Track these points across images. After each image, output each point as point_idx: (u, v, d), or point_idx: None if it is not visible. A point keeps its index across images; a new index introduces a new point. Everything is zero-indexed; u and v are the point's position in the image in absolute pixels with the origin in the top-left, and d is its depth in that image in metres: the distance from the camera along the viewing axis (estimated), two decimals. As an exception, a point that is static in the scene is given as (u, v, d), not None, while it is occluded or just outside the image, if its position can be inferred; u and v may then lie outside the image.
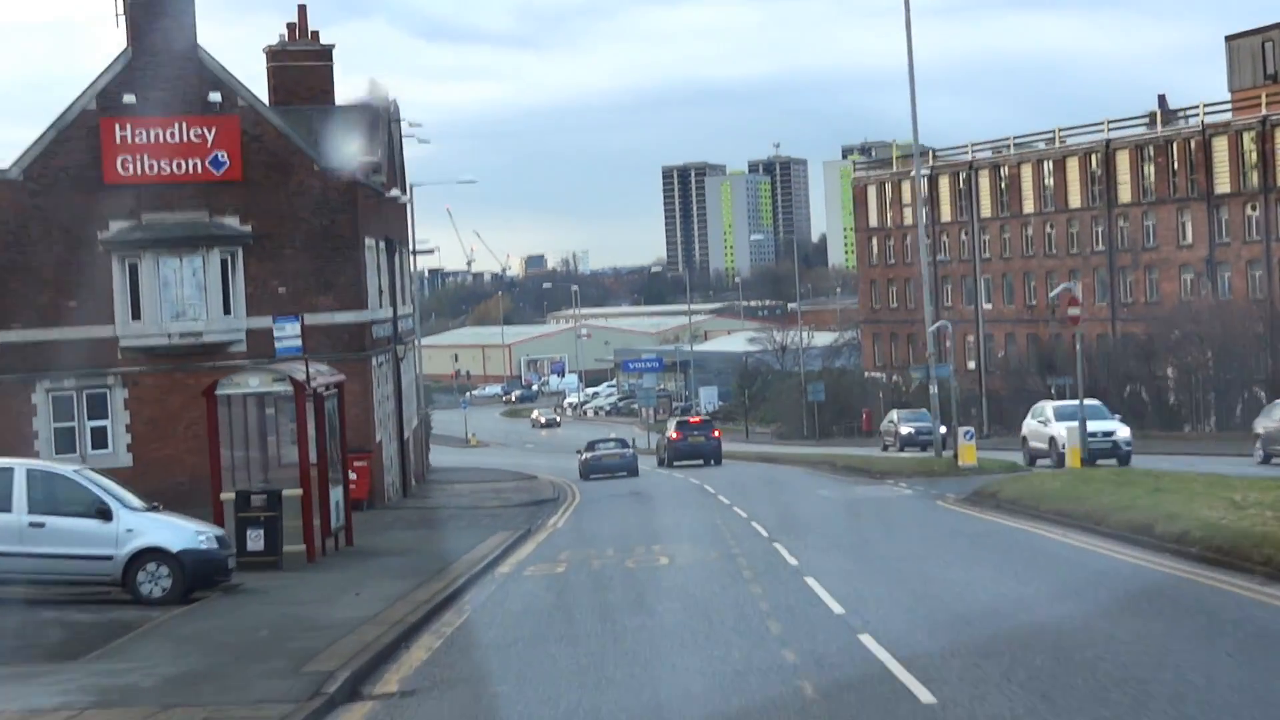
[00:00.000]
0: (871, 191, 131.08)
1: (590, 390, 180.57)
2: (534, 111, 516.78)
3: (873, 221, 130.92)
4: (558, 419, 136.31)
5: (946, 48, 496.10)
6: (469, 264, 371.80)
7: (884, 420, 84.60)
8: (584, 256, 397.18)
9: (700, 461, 71.87)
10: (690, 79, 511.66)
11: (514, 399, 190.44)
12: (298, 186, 49.94)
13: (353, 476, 48.15)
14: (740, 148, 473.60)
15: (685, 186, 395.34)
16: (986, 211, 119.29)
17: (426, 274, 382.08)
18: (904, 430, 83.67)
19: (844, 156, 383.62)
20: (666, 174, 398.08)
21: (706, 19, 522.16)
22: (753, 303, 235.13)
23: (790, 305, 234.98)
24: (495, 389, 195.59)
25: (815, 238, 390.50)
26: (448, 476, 77.25)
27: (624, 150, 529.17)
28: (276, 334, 40.66)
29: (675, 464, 72.06)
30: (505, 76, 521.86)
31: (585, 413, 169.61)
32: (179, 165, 48.74)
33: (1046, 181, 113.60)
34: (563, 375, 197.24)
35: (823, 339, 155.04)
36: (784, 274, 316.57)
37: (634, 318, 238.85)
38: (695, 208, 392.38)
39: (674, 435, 74.53)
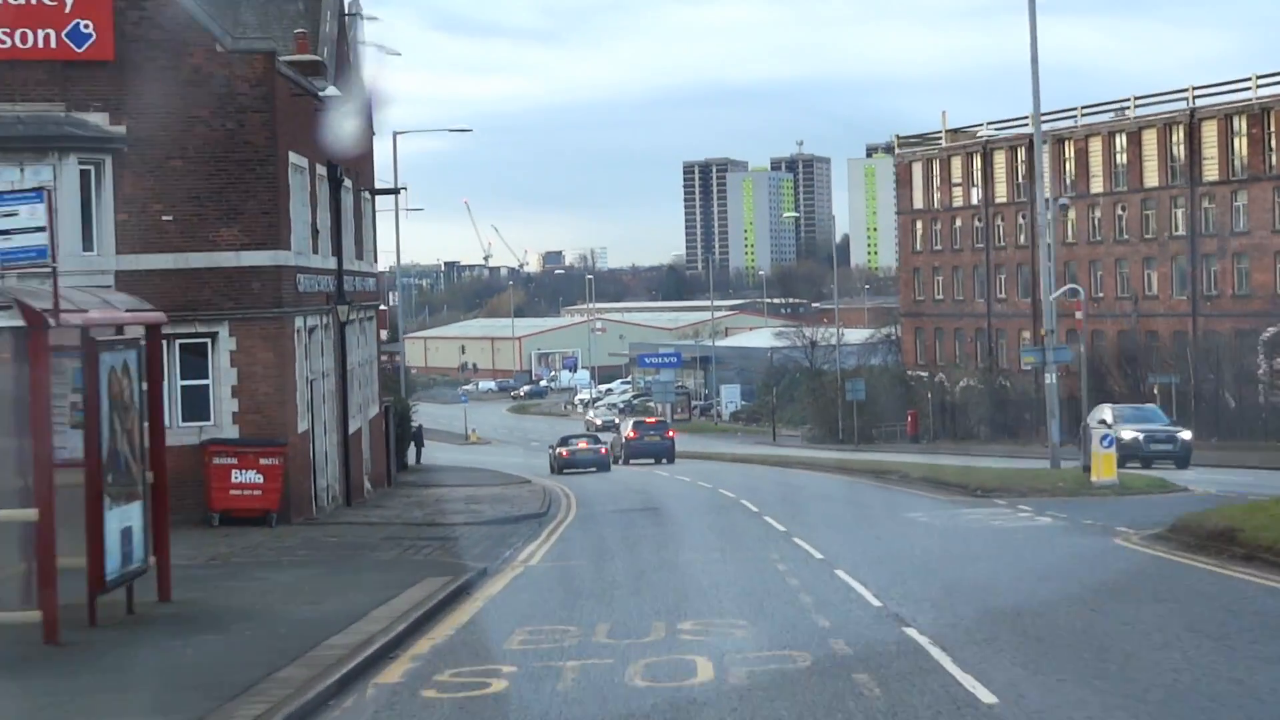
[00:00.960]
0: (917, 170, 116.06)
1: (603, 387, 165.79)
2: (555, 107, 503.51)
3: (917, 203, 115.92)
4: (616, 421, 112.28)
5: (979, 52, 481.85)
6: (486, 258, 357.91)
7: (1087, 420, 57.78)
8: (602, 253, 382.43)
9: (652, 460, 72.57)
10: (713, 78, 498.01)
11: (523, 394, 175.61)
12: (193, 74, 35.26)
13: (252, 478, 33.76)
14: (762, 147, 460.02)
15: (706, 183, 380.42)
16: (1049, 191, 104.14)
17: (442, 266, 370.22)
18: (1126, 435, 57.15)
19: (868, 155, 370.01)
20: (688, 169, 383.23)
21: (730, 18, 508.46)
22: (776, 300, 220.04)
23: (815, 304, 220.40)
24: (490, 384, 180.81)
25: (838, 238, 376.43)
26: (426, 479, 62.87)
27: (645, 148, 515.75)
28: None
29: (631, 461, 72.64)
30: (527, 72, 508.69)
31: (597, 410, 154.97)
32: (22, 37, 34.10)
33: (1119, 157, 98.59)
34: (575, 370, 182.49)
35: (855, 336, 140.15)
36: (806, 272, 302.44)
37: (651, 313, 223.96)
38: (716, 204, 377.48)
39: (631, 434, 74.87)
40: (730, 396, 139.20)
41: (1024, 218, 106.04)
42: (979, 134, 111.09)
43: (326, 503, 40.60)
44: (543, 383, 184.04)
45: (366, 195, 50.52)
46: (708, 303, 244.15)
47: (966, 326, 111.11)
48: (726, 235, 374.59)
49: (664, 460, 72.42)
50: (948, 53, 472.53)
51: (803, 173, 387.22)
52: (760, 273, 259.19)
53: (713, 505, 42.57)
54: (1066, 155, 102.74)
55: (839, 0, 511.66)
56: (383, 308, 64.39)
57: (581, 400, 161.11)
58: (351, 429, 45.27)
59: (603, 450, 67.19)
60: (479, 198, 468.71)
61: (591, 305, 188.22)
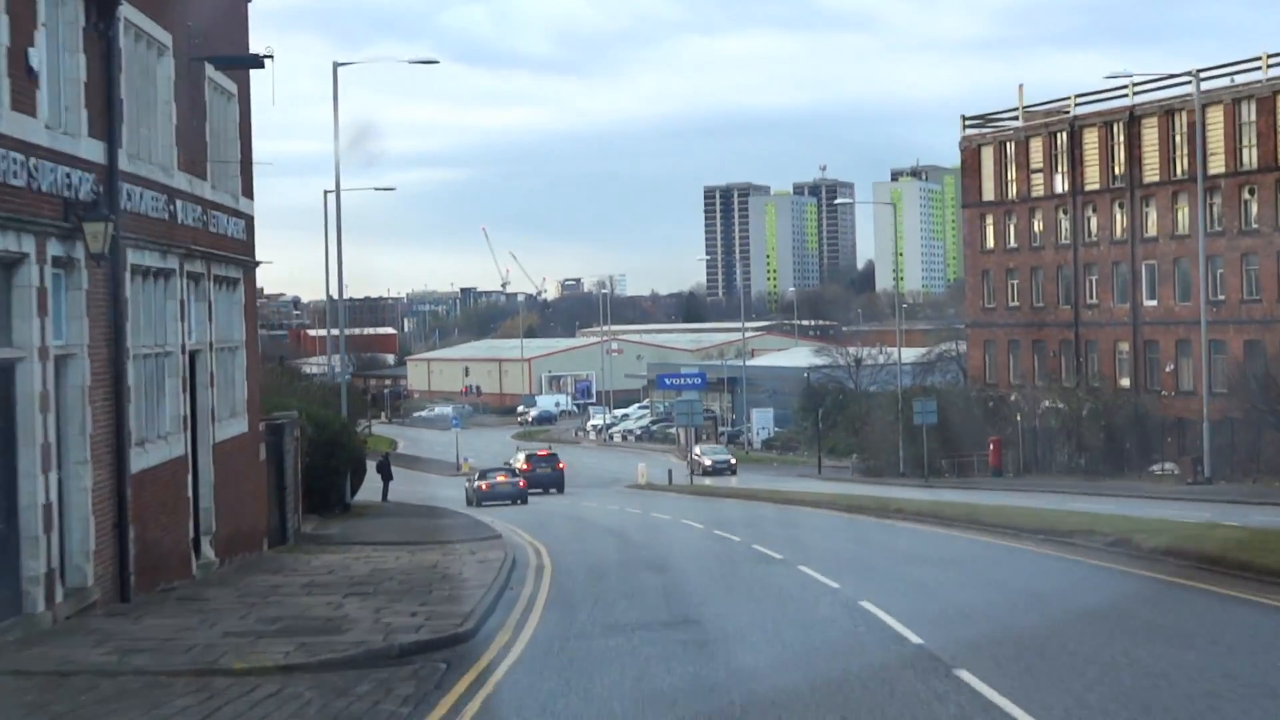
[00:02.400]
0: (986, 156, 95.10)
1: (619, 411, 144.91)
2: (573, 137, 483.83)
3: (987, 194, 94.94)
4: (731, 461, 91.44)
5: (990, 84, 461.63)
6: (504, 285, 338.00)
7: None
8: (621, 280, 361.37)
9: (542, 490, 72.05)
10: (730, 108, 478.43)
11: (529, 420, 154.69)
12: None
13: None
14: (781, 175, 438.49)
15: (728, 208, 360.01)
16: (1153, 174, 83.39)
17: (458, 292, 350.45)
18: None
19: (893, 179, 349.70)
20: (708, 194, 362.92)
21: (745, 49, 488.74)
22: (805, 322, 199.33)
23: (846, 327, 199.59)
24: (445, 409, 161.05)
25: (860, 264, 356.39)
26: (352, 531, 43.14)
27: (663, 177, 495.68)
28: None
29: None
30: (546, 102, 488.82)
31: (611, 437, 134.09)
32: None
33: (1244, 130, 77.67)
34: (586, 393, 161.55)
35: (906, 354, 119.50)
36: (831, 297, 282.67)
37: (671, 334, 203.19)
38: (738, 229, 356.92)
39: (525, 467, 74.71)
40: (762, 422, 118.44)
41: (1122, 207, 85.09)
42: (1065, 110, 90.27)
43: (41, 603, 19.83)
44: (520, 409, 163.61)
45: (211, 72, 29.62)
46: (731, 324, 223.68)
47: (1048, 338, 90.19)
48: (748, 260, 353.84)
49: (554, 490, 73.73)
50: (964, 84, 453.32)
51: (825, 197, 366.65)
52: (790, 290, 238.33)
53: (737, 560, 22.33)
54: (1176, 128, 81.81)
55: (853, 32, 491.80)
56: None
57: (594, 426, 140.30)
58: (148, 460, 24.46)
59: (520, 484, 66.55)
60: (497, 227, 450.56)
61: (607, 327, 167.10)
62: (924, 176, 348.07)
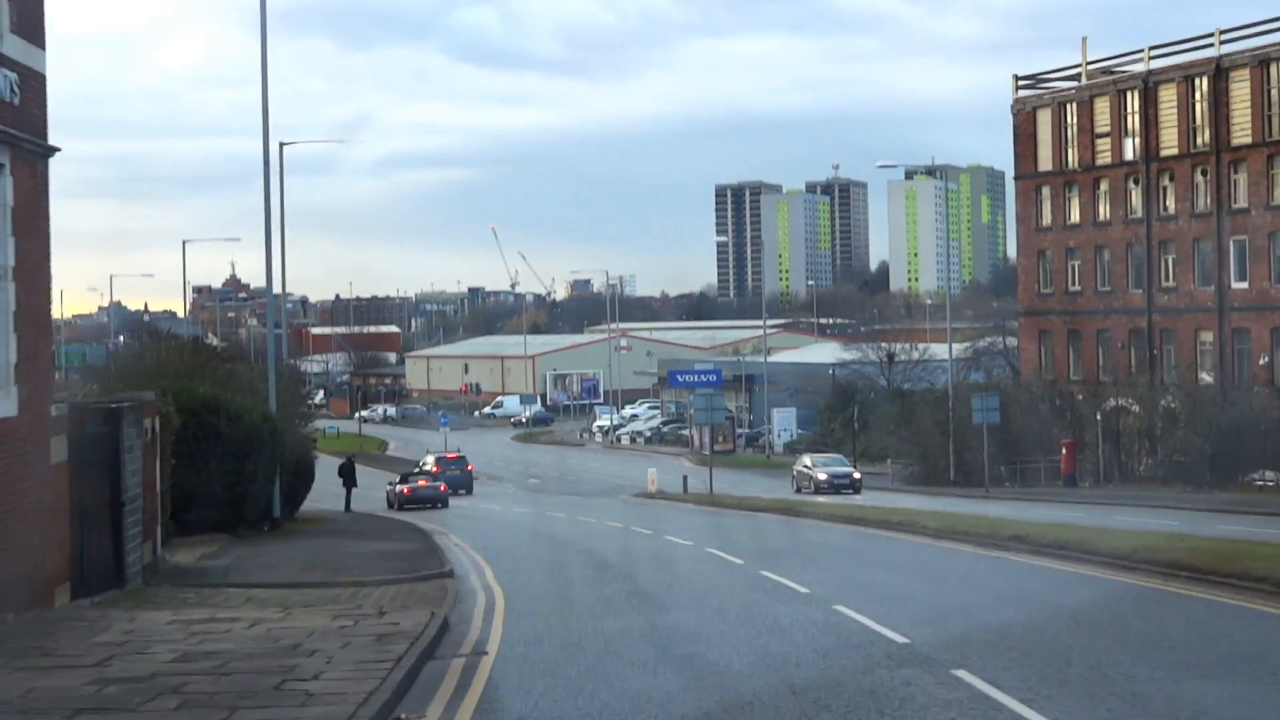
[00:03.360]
0: (1043, 120, 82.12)
1: (627, 412, 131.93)
2: (582, 139, 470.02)
3: (1043, 163, 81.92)
4: (855, 475, 70.25)
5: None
6: (513, 285, 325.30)
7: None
8: (631, 280, 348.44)
9: (454, 490, 68.63)
10: (740, 110, 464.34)
11: (526, 421, 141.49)
12: None
13: None
14: (791, 178, 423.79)
15: (739, 206, 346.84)
16: (1244, 135, 70.49)
17: (466, 291, 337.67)
18: None
19: (907, 177, 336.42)
20: (720, 192, 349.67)
21: (755, 51, 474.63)
22: (824, 320, 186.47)
23: (864, 327, 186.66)
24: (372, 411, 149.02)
25: (874, 265, 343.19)
26: (241, 564, 29.57)
27: (673, 179, 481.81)
28: None
29: None
30: (554, 103, 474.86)
31: (619, 439, 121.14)
32: None
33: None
34: (592, 392, 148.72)
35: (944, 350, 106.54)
36: (845, 295, 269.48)
37: (683, 331, 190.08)
38: (749, 228, 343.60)
39: (434, 469, 72.59)
40: (784, 423, 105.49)
41: (1205, 174, 72.18)
42: (1136, 65, 77.33)
43: None
44: (487, 410, 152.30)
45: None
46: (746, 322, 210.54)
47: (1115, 327, 77.27)
48: (760, 260, 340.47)
49: (466, 491, 73.16)
50: (974, 87, 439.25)
51: (839, 197, 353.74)
52: (806, 287, 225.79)
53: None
54: (1274, 81, 68.96)
55: (862, 35, 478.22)
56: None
57: (600, 427, 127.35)
58: None
59: (442, 487, 64.54)
60: (507, 229, 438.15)
61: (616, 326, 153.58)
62: (940, 175, 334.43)
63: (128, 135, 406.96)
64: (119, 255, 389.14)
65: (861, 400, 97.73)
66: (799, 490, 69.04)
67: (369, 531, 42.75)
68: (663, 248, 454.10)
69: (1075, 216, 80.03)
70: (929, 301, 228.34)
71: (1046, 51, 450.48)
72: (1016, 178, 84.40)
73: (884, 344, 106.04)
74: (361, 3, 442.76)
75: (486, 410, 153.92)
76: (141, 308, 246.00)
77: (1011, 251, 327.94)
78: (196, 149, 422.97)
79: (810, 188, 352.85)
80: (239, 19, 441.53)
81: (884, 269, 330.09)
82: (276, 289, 49.19)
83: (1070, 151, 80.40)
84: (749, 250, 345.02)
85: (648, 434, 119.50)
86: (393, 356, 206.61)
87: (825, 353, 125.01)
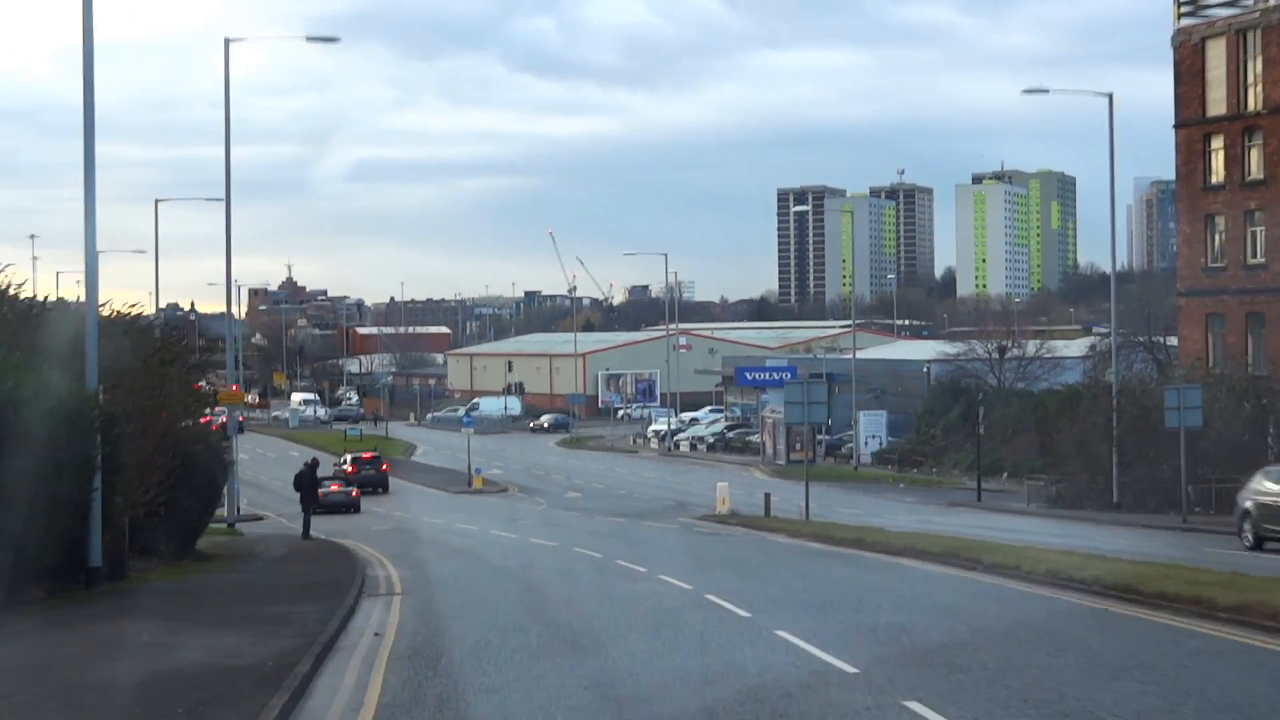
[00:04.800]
0: (1214, 52, 63.15)
1: (686, 416, 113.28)
2: (641, 148, 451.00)
3: (1213, 106, 62.85)
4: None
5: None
6: (571, 290, 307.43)
7: None
8: (690, 285, 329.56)
9: (370, 489, 69.55)
10: (798, 121, 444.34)
11: (546, 424, 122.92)
12: None
13: None
14: (853, 187, 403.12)
15: (802, 211, 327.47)
16: None
17: (523, 295, 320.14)
18: None
19: (975, 182, 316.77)
20: (783, 196, 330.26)
21: (814, 62, 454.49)
22: (902, 321, 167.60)
23: (944, 331, 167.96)
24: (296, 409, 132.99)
25: (939, 271, 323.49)
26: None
27: (732, 189, 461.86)
28: None
29: None
30: (613, 112, 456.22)
31: (676, 445, 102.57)
32: None
33: None
34: (648, 393, 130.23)
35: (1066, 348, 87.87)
36: (914, 299, 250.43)
37: (747, 331, 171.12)
38: (812, 233, 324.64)
39: (350, 469, 72.45)
40: (873, 428, 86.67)
41: None
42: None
43: None
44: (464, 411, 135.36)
45: None
46: (815, 323, 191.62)
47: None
48: (823, 265, 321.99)
49: (381, 489, 72.65)
50: (1033, 100, 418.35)
51: (903, 202, 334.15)
52: (889, 280, 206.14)
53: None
54: None
55: (922, 47, 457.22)
56: None
57: (656, 432, 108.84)
58: None
59: (354, 493, 61.39)
60: (564, 236, 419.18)
61: (675, 326, 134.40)
62: (1008, 180, 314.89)
63: (189, 140, 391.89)
64: (180, 259, 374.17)
65: (972, 401, 79.07)
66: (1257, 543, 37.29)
67: (263, 590, 24.68)
68: (722, 255, 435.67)
69: (1257, 170, 61.05)
70: (1017, 302, 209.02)
71: (1107, 66, 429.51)
72: (1177, 125, 65.21)
73: (992, 339, 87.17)
74: (423, 12, 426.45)
75: (443, 413, 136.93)
76: (201, 311, 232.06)
77: (1083, 258, 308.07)
78: (255, 155, 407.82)
79: (875, 192, 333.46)
80: (300, 26, 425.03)
81: (950, 275, 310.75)
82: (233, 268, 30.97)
83: (1252, 91, 61.44)
84: (811, 255, 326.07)
85: (710, 440, 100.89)
86: (440, 357, 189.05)
87: (914, 350, 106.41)
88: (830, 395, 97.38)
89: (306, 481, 43.62)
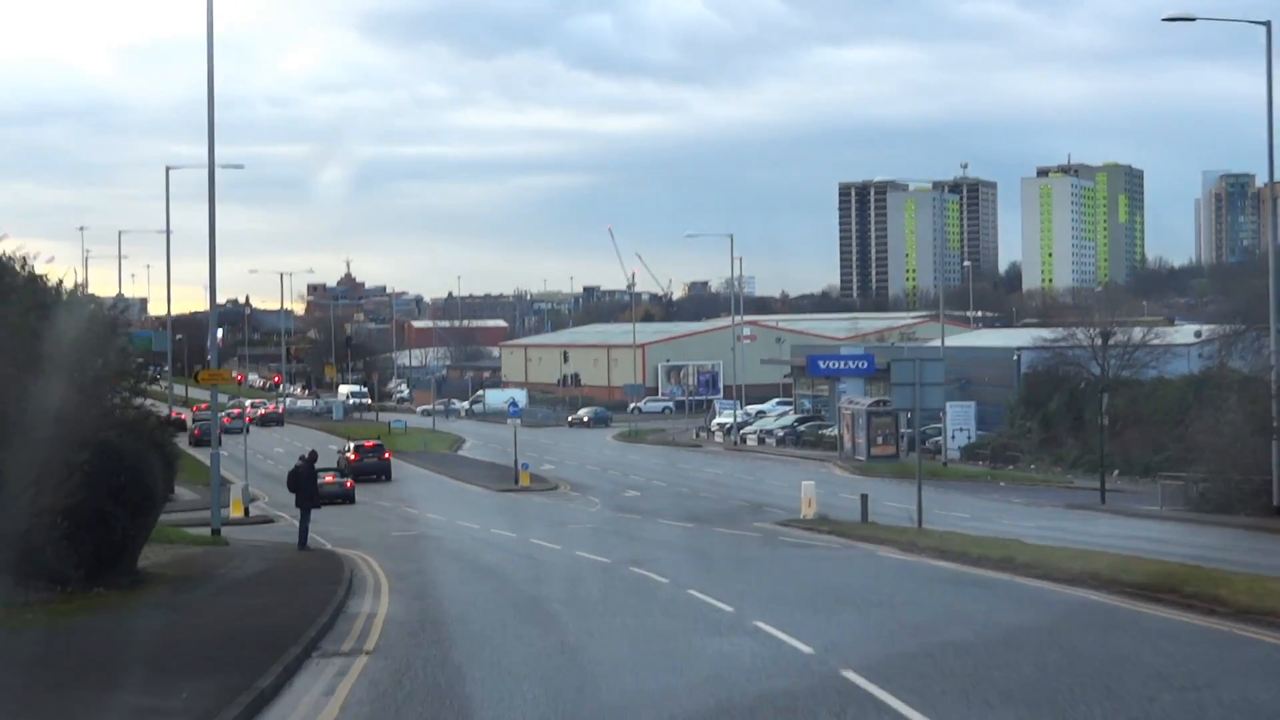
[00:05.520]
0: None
1: (752, 408, 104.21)
2: (699, 145, 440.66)
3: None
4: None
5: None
6: (630, 286, 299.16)
7: None
8: (750, 280, 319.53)
9: (374, 476, 70.10)
10: (858, 117, 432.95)
11: (638, 409, 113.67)
12: None
13: None
14: (914, 181, 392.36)
15: (864, 205, 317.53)
16: None
17: (581, 290, 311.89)
18: None
19: (1041, 175, 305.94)
20: (844, 191, 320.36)
21: (872, 58, 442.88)
22: (975, 313, 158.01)
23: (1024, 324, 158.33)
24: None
25: (1003, 266, 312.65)
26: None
27: (791, 185, 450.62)
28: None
29: (355, 479, 63.54)
30: (670, 109, 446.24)
31: (743, 439, 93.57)
32: None
33: None
34: (710, 385, 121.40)
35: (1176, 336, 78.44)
36: (981, 293, 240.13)
37: (814, 321, 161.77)
38: (874, 227, 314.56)
39: (352, 457, 72.14)
40: (960, 420, 77.36)
41: None
42: None
43: None
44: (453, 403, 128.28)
45: None
46: (885, 314, 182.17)
47: None
48: (885, 260, 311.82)
49: (384, 477, 71.78)
50: (1092, 95, 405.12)
51: (967, 196, 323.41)
52: (965, 268, 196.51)
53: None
54: None
55: (981, 43, 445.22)
56: None
57: (720, 425, 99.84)
58: None
59: (348, 484, 60.07)
60: (624, 233, 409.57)
61: (740, 316, 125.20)
62: (1074, 173, 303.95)
63: (249, 139, 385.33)
64: (241, 256, 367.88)
65: (1074, 390, 69.96)
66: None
67: (157, 649, 15.82)
68: (781, 253, 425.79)
69: None
70: (1065, 302, 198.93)
71: (1167, 59, 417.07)
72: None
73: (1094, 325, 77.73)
74: (480, 10, 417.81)
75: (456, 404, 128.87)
76: (260, 306, 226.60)
77: (1150, 252, 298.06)
78: (312, 153, 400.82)
79: (938, 186, 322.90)
80: (357, 24, 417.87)
81: (1014, 269, 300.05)
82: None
83: None
84: (873, 250, 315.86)
85: (780, 433, 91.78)
86: (496, 351, 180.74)
87: (1000, 337, 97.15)
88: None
89: (304, 479, 35.04)
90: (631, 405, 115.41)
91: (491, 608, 22.06)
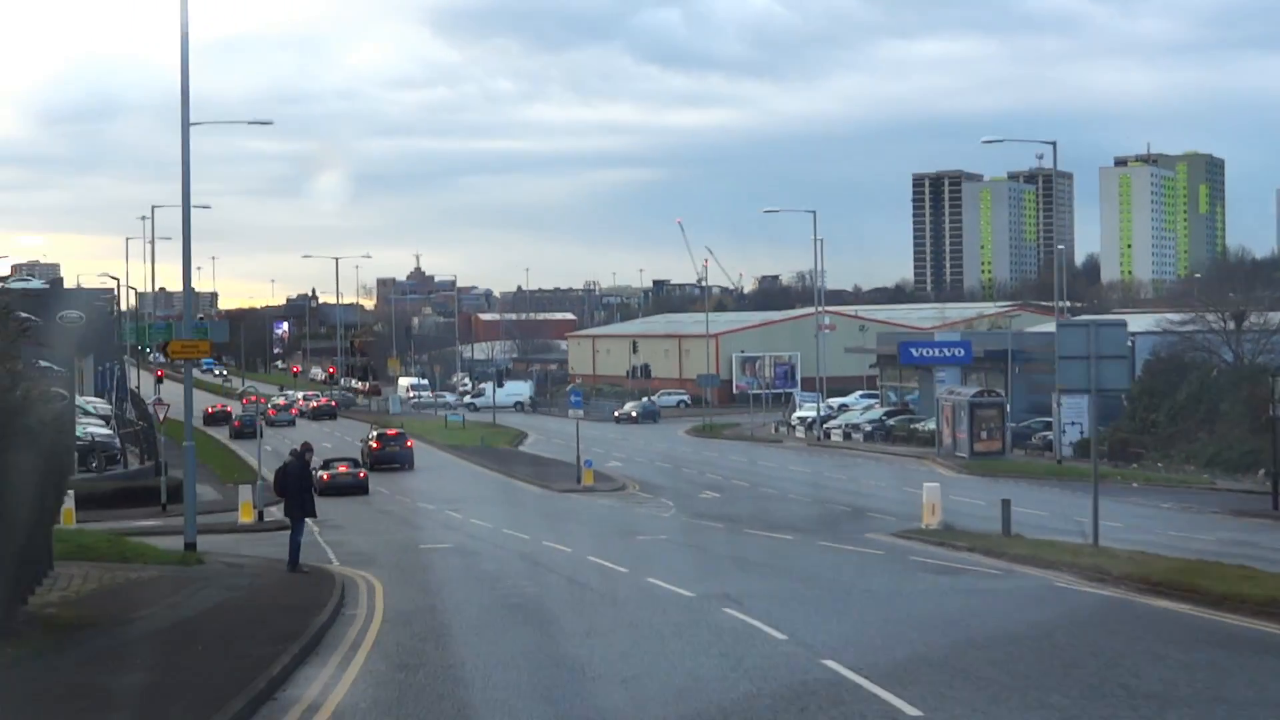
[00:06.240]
0: None
1: (834, 402, 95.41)
2: (768, 139, 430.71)
3: None
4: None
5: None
6: (700, 280, 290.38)
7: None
8: (821, 275, 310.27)
9: (397, 465, 68.84)
10: (929, 110, 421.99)
11: (712, 403, 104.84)
12: None
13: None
14: (989, 172, 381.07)
15: (937, 196, 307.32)
16: None
17: (651, 283, 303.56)
18: None
19: (1119, 165, 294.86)
20: (918, 181, 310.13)
21: (944, 51, 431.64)
22: (1064, 303, 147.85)
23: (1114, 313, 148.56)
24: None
25: (1080, 258, 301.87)
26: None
27: (862, 179, 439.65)
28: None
29: (376, 468, 65.80)
30: (740, 103, 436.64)
31: (826, 434, 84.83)
32: None
33: None
34: (787, 377, 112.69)
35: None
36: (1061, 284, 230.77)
37: (895, 311, 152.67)
38: (949, 219, 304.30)
39: (375, 445, 70.64)
40: (1073, 413, 68.17)
41: None
42: None
43: None
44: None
45: None
46: (971, 305, 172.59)
47: None
48: (960, 252, 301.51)
49: (407, 466, 69.60)
50: (1164, 88, 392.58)
51: (1042, 187, 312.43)
52: (1060, 251, 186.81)
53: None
54: None
55: (1053, 36, 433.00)
56: None
57: (801, 419, 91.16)
58: None
59: (361, 474, 57.38)
60: (693, 227, 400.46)
61: (821, 309, 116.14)
62: (1154, 163, 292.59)
63: (319, 134, 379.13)
64: (309, 251, 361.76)
65: (1205, 378, 61.02)
66: None
67: None
68: (850, 247, 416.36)
69: None
70: (1145, 295, 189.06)
71: (1239, 51, 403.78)
72: None
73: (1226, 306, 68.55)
74: (549, 4, 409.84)
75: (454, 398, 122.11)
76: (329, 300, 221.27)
77: (1231, 242, 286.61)
78: (386, 149, 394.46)
79: (1013, 177, 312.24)
80: (428, 19, 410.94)
81: (1091, 261, 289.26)
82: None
83: None
84: (947, 242, 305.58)
85: (867, 428, 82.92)
86: (564, 344, 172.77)
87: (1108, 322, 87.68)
88: (1008, 377, 79.68)
89: (294, 478, 26.73)
90: (646, 398, 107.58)
91: (515, 691, 13.71)
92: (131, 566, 25.09)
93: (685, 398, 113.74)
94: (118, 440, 58.61)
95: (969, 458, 65.26)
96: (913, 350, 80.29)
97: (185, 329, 30.64)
